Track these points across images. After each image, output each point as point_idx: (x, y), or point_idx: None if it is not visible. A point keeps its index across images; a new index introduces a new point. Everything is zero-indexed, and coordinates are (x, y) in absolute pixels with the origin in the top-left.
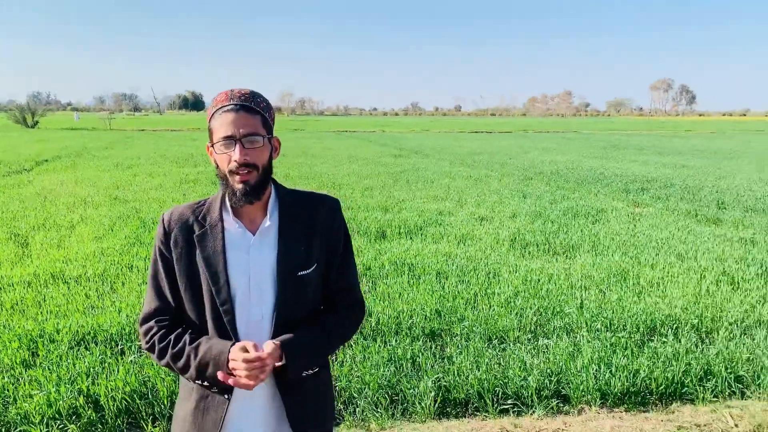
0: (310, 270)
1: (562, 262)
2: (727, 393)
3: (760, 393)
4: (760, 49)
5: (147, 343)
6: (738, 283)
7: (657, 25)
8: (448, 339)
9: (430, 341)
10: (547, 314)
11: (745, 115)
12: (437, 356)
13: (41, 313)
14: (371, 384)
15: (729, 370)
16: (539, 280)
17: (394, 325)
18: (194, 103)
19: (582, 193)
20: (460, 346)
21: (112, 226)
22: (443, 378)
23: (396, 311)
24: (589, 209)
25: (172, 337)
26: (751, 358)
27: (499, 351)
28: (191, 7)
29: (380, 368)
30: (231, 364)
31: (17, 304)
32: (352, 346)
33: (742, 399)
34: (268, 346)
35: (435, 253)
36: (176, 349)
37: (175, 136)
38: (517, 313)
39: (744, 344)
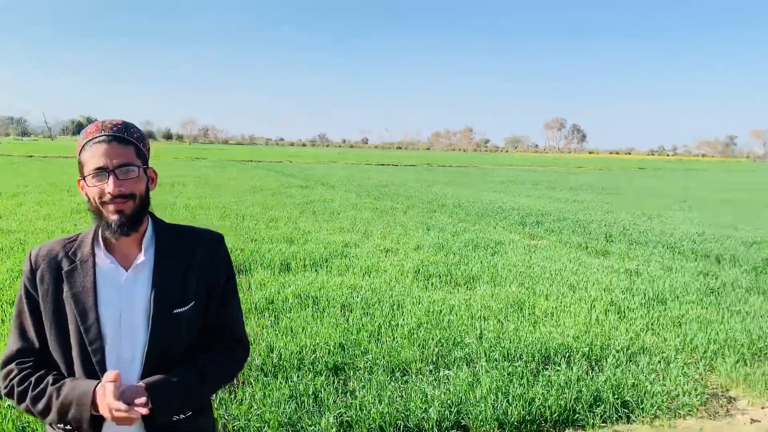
0: (186, 308)
1: (463, 293)
2: (614, 418)
3: (643, 417)
4: (643, 93)
5: (5, 387)
6: (624, 312)
7: (550, 67)
8: (352, 373)
9: (333, 376)
10: (449, 345)
11: (629, 153)
12: (340, 391)
13: None
14: (271, 422)
15: (616, 396)
16: (441, 311)
17: (296, 360)
18: None
19: (482, 225)
20: (363, 380)
21: None
22: (345, 413)
23: (299, 346)
24: (489, 241)
25: (33, 378)
26: (635, 384)
27: (401, 383)
28: (85, 27)
29: (281, 405)
30: (98, 399)
31: None
32: (252, 383)
33: (628, 423)
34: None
35: (340, 286)
36: (37, 390)
37: (68, 163)
38: (419, 345)
39: (629, 370)
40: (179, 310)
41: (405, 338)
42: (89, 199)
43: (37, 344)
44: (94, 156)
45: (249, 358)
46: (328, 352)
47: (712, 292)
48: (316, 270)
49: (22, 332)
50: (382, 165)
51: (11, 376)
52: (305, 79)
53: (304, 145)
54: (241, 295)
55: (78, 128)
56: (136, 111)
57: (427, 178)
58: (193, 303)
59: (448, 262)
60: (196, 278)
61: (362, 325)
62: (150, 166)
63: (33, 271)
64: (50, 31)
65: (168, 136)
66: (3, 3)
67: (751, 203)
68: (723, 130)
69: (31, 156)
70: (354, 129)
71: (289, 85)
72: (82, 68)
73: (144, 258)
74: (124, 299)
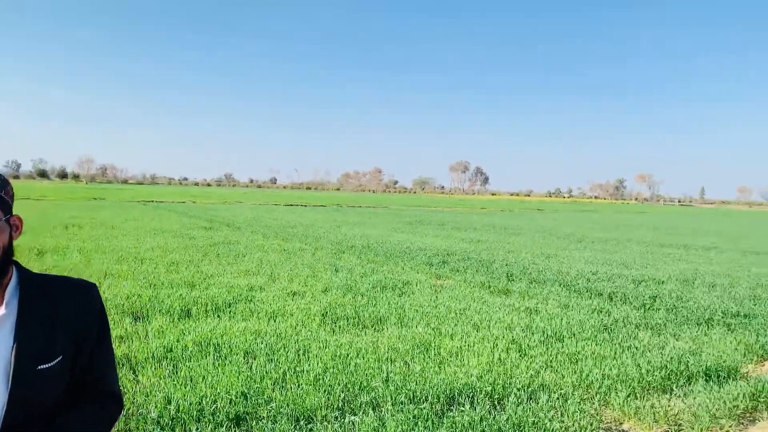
0: (52, 363)
1: (371, 335)
2: None
3: None
4: (540, 138)
5: None
6: (525, 350)
7: (454, 112)
8: (254, 423)
9: (234, 427)
10: (355, 390)
11: (529, 195)
12: None
13: None
14: None
15: None
16: (348, 355)
17: (195, 412)
18: None
19: (390, 266)
20: (266, 430)
21: None
22: None
23: (198, 396)
24: (397, 282)
25: None
26: (535, 422)
27: None
28: None
29: None
30: None
31: None
32: None
33: None
34: None
35: (244, 332)
36: None
37: None
38: (325, 391)
39: (530, 408)
40: (44, 365)
41: (310, 384)
42: None
43: None
44: None
45: (144, 412)
46: (230, 402)
47: (606, 329)
48: (218, 316)
49: None
50: (291, 205)
51: None
52: (210, 117)
53: (209, 184)
54: (137, 343)
55: None
56: (28, 148)
57: (336, 218)
58: (60, 358)
59: (356, 304)
60: (65, 331)
61: (266, 372)
62: (14, 213)
63: None
64: None
65: (63, 175)
66: None
67: (641, 242)
68: (613, 174)
69: None
70: (262, 169)
71: (194, 124)
72: None
73: (5, 311)
74: None
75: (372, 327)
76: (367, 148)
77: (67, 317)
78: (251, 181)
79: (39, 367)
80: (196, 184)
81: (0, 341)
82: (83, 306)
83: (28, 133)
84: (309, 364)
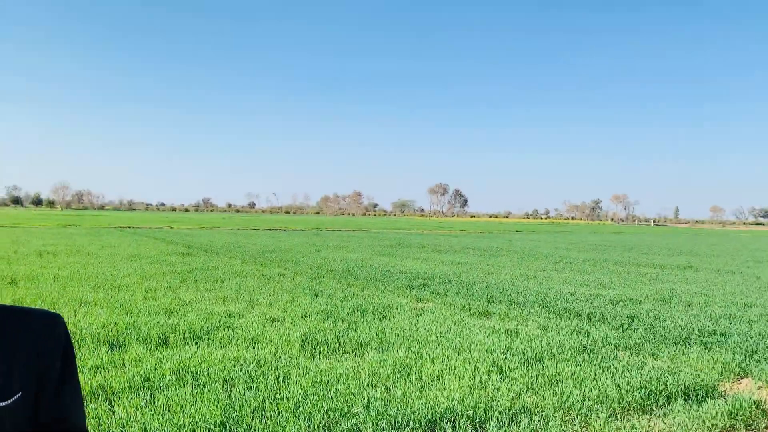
0: (10, 401)
1: (351, 360)
2: None
3: None
4: (517, 160)
5: None
6: (505, 372)
7: (433, 137)
8: None
9: None
10: (335, 416)
11: (507, 216)
12: None
13: None
14: None
15: None
16: (329, 381)
17: None
18: None
19: (371, 290)
20: None
21: None
22: None
23: (176, 426)
24: (377, 306)
25: None
26: None
27: None
28: None
29: None
30: None
31: None
32: None
33: None
34: None
35: (222, 359)
36: None
37: None
38: (305, 418)
39: (512, 431)
40: (1, 403)
41: (290, 412)
42: None
43: None
44: None
45: None
46: (208, 431)
47: (585, 350)
48: (196, 343)
49: None
50: (270, 230)
51: None
52: (188, 141)
53: (186, 210)
54: (113, 373)
55: None
56: (1, 174)
57: (316, 242)
58: (19, 395)
59: (336, 329)
60: (25, 366)
61: (245, 400)
62: None
63: None
64: None
65: (37, 202)
66: None
67: (618, 263)
68: (589, 195)
69: None
70: (240, 193)
71: (171, 148)
72: None
73: None
74: None
75: (352, 352)
76: (347, 172)
77: (27, 351)
78: (229, 205)
79: None
80: (174, 209)
81: None
82: (46, 338)
83: (1, 159)
84: (289, 391)
